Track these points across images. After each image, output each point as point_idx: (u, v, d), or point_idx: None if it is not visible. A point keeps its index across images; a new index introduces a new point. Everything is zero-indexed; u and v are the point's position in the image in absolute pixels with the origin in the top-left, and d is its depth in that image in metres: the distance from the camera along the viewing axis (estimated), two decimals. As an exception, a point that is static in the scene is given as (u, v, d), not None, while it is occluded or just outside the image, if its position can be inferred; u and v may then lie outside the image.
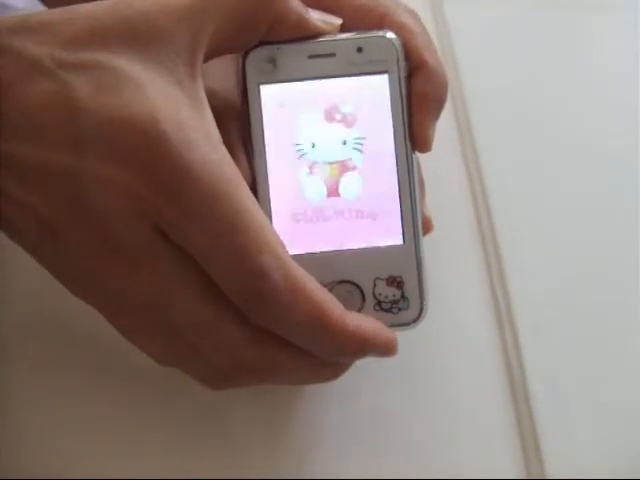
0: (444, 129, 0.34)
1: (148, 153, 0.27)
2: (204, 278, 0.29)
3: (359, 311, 0.32)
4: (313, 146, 0.33)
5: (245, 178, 0.31)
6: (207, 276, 0.29)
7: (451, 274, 0.39)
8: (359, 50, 0.32)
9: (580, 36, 0.48)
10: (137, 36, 0.29)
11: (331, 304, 0.29)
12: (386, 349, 0.31)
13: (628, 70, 0.47)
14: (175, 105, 0.28)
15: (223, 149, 0.29)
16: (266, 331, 0.29)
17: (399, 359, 0.38)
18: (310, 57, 0.32)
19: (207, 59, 0.30)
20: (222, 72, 0.34)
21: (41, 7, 0.40)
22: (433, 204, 0.36)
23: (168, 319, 0.29)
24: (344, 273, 0.32)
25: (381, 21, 0.33)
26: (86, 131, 0.27)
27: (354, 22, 0.34)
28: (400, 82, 0.33)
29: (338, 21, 0.33)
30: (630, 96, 0.46)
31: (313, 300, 0.29)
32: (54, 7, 0.37)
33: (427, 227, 0.34)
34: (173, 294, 0.28)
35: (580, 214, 0.42)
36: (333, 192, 0.33)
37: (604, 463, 0.37)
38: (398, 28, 0.33)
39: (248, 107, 0.32)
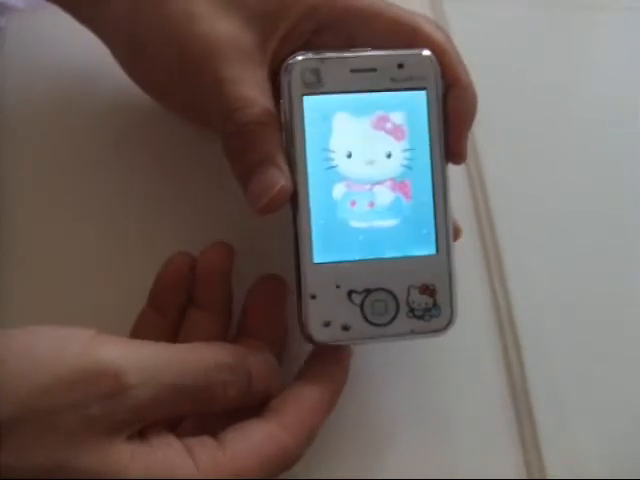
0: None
1: None
2: None
3: (393, 318, 0.33)
4: (354, 158, 0.33)
5: (287, 188, 0.31)
6: None
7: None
8: (400, 66, 0.33)
9: (580, 35, 0.48)
10: None
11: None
12: None
13: (628, 69, 0.47)
14: None
15: None
16: None
17: (398, 359, 0.38)
18: (352, 71, 0.33)
19: None
20: (260, 81, 0.34)
21: (41, 6, 0.40)
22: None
23: None
24: (379, 281, 0.33)
25: (412, 37, 0.34)
26: None
27: (385, 37, 0.34)
28: (437, 98, 0.34)
29: None
30: (630, 96, 0.46)
31: None
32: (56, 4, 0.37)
33: (457, 234, 0.35)
34: None
35: (580, 214, 0.42)
36: (371, 202, 0.33)
37: (604, 463, 0.37)
38: (430, 44, 0.34)
39: (292, 117, 0.33)
